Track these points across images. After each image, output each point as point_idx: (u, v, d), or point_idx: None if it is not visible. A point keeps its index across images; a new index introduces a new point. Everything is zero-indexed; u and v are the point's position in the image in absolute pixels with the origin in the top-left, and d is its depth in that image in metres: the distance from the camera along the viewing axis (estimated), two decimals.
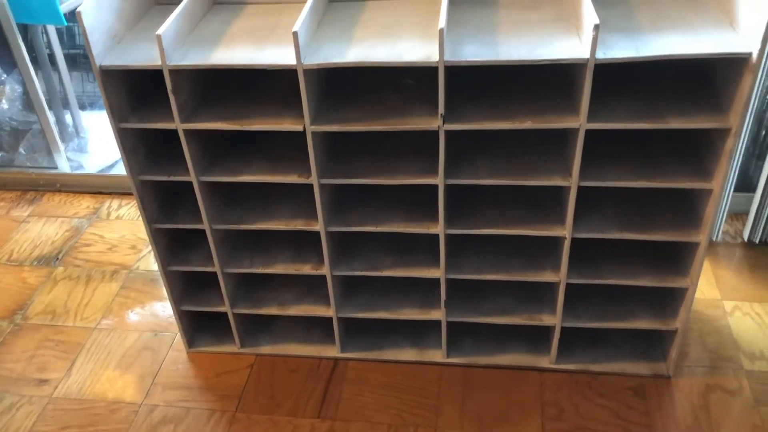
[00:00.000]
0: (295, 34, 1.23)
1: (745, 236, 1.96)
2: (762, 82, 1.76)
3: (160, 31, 1.26)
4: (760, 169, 1.90)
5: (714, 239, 1.98)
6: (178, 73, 1.33)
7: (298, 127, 1.34)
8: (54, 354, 1.81)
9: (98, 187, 2.43)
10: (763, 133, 1.90)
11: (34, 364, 1.79)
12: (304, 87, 1.29)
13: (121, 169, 2.45)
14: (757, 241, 1.95)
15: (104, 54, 1.34)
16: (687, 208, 1.46)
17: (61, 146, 2.44)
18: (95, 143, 2.58)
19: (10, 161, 2.49)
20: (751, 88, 1.19)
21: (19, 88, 2.46)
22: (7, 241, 2.23)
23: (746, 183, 1.99)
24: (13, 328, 1.90)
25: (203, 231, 1.59)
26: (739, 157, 1.81)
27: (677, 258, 1.52)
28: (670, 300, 1.58)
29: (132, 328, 1.88)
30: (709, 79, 1.36)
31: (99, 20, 1.32)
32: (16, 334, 1.88)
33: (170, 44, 1.30)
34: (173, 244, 1.65)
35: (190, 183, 1.48)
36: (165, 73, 1.30)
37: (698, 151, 1.40)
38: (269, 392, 1.67)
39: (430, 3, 1.45)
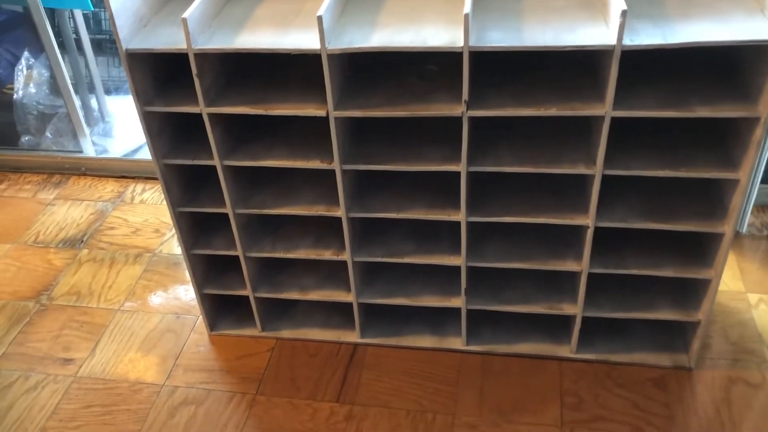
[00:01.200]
0: (319, 18, 1.23)
1: None
2: None
3: (185, 15, 1.27)
4: None
5: (740, 231, 1.95)
6: (203, 56, 1.33)
7: (321, 113, 1.35)
8: (78, 334, 1.84)
9: (122, 171, 2.45)
10: None
11: (59, 343, 1.82)
12: (328, 72, 1.29)
13: (144, 154, 2.47)
14: None
15: (130, 37, 1.35)
16: (712, 198, 1.45)
17: (87, 130, 2.47)
18: (120, 128, 2.60)
19: (36, 145, 2.53)
20: None
21: (46, 73, 2.49)
22: (33, 224, 2.27)
23: None
24: (39, 308, 1.94)
25: (226, 215, 1.60)
26: (765, 148, 1.78)
27: (701, 249, 1.50)
28: (693, 291, 1.56)
29: (155, 310, 1.90)
30: (737, 67, 1.34)
31: (126, 4, 1.33)
32: (42, 314, 1.92)
33: (195, 28, 1.31)
34: (196, 227, 1.67)
35: (214, 167, 1.49)
36: (190, 57, 1.31)
37: (724, 140, 1.38)
38: (289, 376, 1.68)
39: None
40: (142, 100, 1.41)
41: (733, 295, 1.79)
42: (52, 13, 2.37)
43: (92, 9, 2.24)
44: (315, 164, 1.44)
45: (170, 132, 1.52)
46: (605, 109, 1.26)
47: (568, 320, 1.68)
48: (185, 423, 1.59)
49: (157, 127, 1.47)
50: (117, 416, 1.62)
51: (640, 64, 1.35)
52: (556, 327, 1.70)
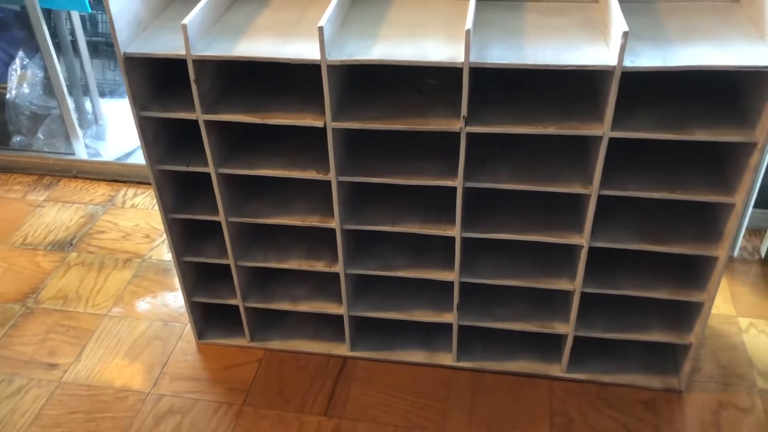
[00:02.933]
0: (320, 29, 1.22)
1: (763, 253, 1.94)
2: None
3: (185, 21, 1.26)
4: None
5: (732, 255, 1.96)
6: (201, 63, 1.33)
7: (319, 123, 1.34)
8: (64, 339, 1.82)
9: (114, 175, 2.43)
10: None
11: (45, 348, 1.79)
12: (327, 83, 1.28)
13: (137, 158, 2.45)
14: None
15: (129, 41, 1.34)
16: (707, 221, 1.45)
17: (80, 133, 2.45)
18: (113, 131, 2.58)
19: (28, 145, 2.50)
20: None
21: (40, 73, 2.47)
22: (22, 225, 2.24)
23: (766, 199, 1.96)
24: (24, 311, 1.91)
25: (218, 223, 1.58)
26: (761, 173, 1.79)
27: (695, 271, 1.50)
28: (685, 314, 1.56)
29: (142, 316, 1.88)
30: (736, 92, 1.35)
31: (125, 7, 1.32)
32: (28, 317, 1.89)
33: (195, 34, 1.30)
34: (188, 234, 1.65)
35: (208, 174, 1.48)
36: (189, 63, 1.30)
37: (721, 164, 1.39)
38: (277, 387, 1.67)
39: (456, 4, 1.44)
40: (138, 105, 1.39)
41: (724, 318, 1.79)
42: (48, 14, 2.36)
43: (89, 11, 2.23)
44: (311, 175, 1.43)
45: (165, 138, 1.50)
46: (604, 129, 1.26)
47: (559, 339, 1.67)
48: None
49: (153, 133, 1.46)
50: (101, 423, 1.59)
51: (639, 86, 1.36)
52: (547, 346, 1.69)
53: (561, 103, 1.36)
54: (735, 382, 1.63)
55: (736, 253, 1.96)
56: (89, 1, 2.19)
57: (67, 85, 2.38)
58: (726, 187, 1.33)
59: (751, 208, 1.87)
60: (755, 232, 2.03)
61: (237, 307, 1.72)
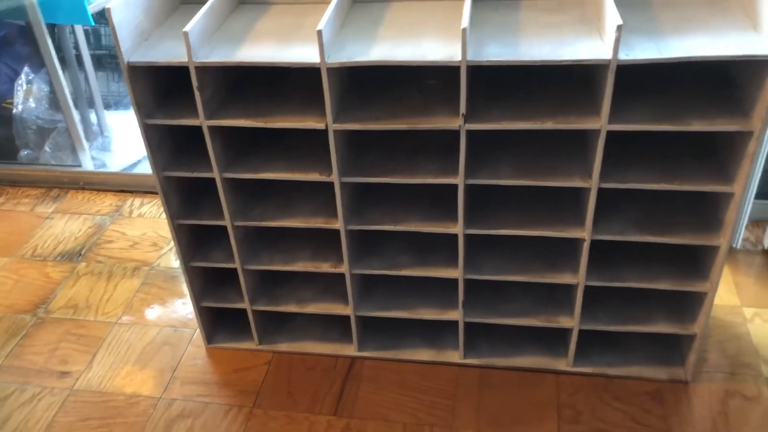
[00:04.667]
0: (319, 32, 1.24)
1: (766, 244, 1.95)
2: None
3: (187, 28, 1.29)
4: None
5: (735, 246, 1.97)
6: (203, 70, 1.35)
7: (321, 125, 1.36)
8: (75, 347, 1.84)
9: (121, 186, 2.46)
10: None
11: (56, 356, 1.82)
12: (327, 85, 1.30)
13: (143, 168, 2.48)
14: None
15: (132, 50, 1.37)
16: (708, 211, 1.46)
17: (86, 145, 2.48)
18: (119, 142, 2.62)
19: (35, 159, 2.53)
20: None
21: (46, 88, 2.51)
22: (31, 237, 2.27)
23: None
24: (36, 321, 1.94)
25: (224, 228, 1.60)
26: (761, 164, 1.80)
27: (697, 262, 1.51)
28: (689, 304, 1.57)
29: (152, 323, 1.90)
30: (731, 82, 1.36)
31: (127, 17, 1.35)
32: (39, 327, 1.91)
33: (197, 41, 1.33)
34: (195, 240, 1.68)
35: (213, 180, 1.50)
36: (191, 70, 1.33)
37: (719, 154, 1.40)
38: (286, 389, 1.68)
39: (453, 4, 1.46)
40: (142, 113, 1.42)
41: (728, 309, 1.80)
42: (53, 29, 2.39)
43: (93, 24, 2.26)
44: (314, 177, 1.45)
45: (170, 145, 1.53)
46: (601, 122, 1.28)
47: (565, 333, 1.68)
48: None
49: (157, 140, 1.48)
50: (113, 429, 1.61)
51: (635, 79, 1.37)
52: (553, 340, 1.70)
53: (559, 98, 1.37)
54: (741, 371, 1.63)
55: (739, 245, 1.97)
56: (92, 15, 2.22)
57: (72, 99, 2.42)
58: (724, 177, 1.35)
59: (752, 199, 1.88)
60: (758, 223, 2.03)
61: (245, 311, 1.74)
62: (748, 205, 1.88)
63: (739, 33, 1.26)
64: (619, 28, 1.16)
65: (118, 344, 1.84)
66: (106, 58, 2.77)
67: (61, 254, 2.18)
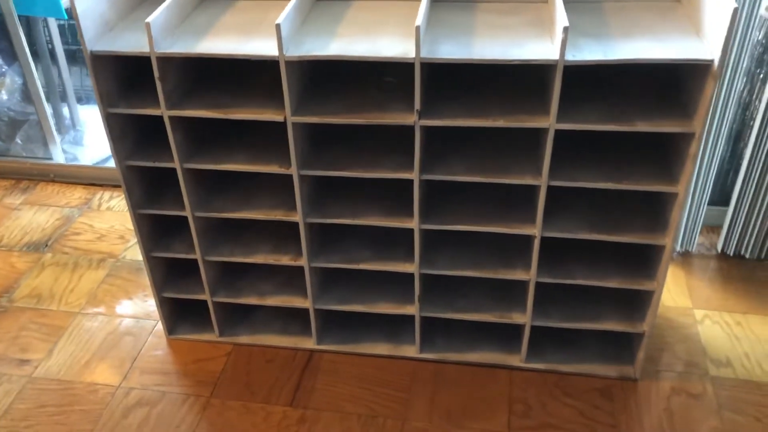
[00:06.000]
0: (278, 26, 1.28)
1: (719, 248, 2.00)
2: (734, 96, 1.81)
3: (149, 19, 1.31)
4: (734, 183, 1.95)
5: (690, 250, 2.02)
6: (165, 60, 1.38)
7: (279, 118, 1.39)
8: (37, 336, 1.85)
9: (91, 179, 2.47)
10: (741, 145, 1.94)
11: (17, 344, 1.82)
12: (286, 78, 1.33)
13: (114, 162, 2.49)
14: (730, 254, 1.99)
15: (95, 40, 1.39)
16: (655, 211, 1.51)
17: (57, 138, 2.49)
18: (91, 136, 2.63)
19: (6, 150, 2.54)
20: (713, 94, 1.24)
21: (18, 80, 2.51)
22: None
23: (723, 197, 2.03)
24: None
25: (186, 219, 1.62)
26: (714, 169, 1.85)
27: (645, 261, 1.56)
28: (638, 303, 1.61)
29: (115, 314, 1.91)
30: (678, 86, 1.41)
31: (92, 7, 1.37)
32: (1, 315, 1.92)
33: (159, 33, 1.35)
34: (157, 231, 1.70)
35: (175, 171, 1.53)
36: (153, 60, 1.35)
37: (667, 156, 1.45)
38: (244, 380, 1.70)
39: (413, 5, 1.50)
40: (105, 102, 1.44)
41: (680, 311, 1.85)
42: (26, 21, 2.40)
43: (66, 18, 2.28)
44: (273, 169, 1.48)
45: (134, 135, 1.55)
46: (550, 121, 1.32)
47: (518, 330, 1.72)
48: (138, 424, 1.60)
49: (120, 130, 1.50)
50: (70, 416, 1.62)
51: (586, 82, 1.42)
52: (507, 337, 1.74)
53: (513, 98, 1.41)
54: (688, 370, 1.68)
55: (694, 249, 2.02)
56: (65, 9, 2.24)
57: (45, 92, 2.43)
58: (669, 177, 1.39)
59: (706, 205, 1.93)
60: (713, 228, 2.09)
61: (206, 303, 1.76)
62: (701, 210, 1.93)
63: (683, 38, 1.31)
64: (566, 29, 1.21)
65: (79, 334, 1.85)
66: (80, 53, 2.77)
67: (27, 245, 2.19)
